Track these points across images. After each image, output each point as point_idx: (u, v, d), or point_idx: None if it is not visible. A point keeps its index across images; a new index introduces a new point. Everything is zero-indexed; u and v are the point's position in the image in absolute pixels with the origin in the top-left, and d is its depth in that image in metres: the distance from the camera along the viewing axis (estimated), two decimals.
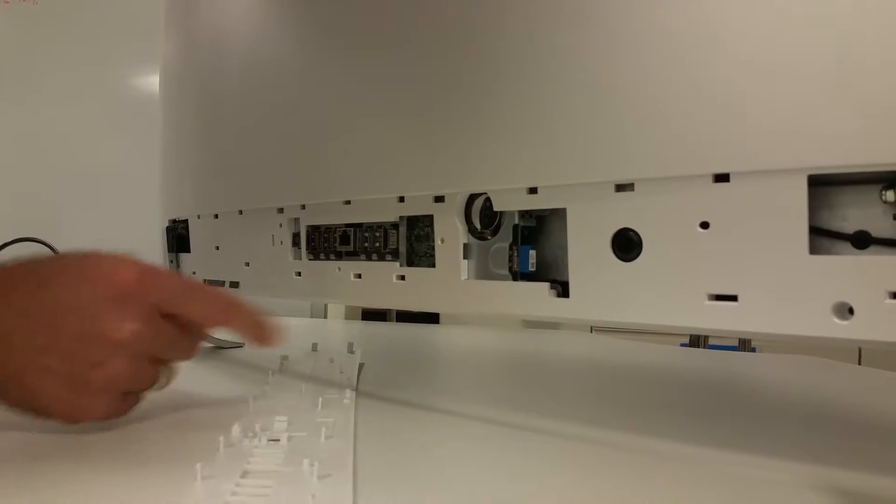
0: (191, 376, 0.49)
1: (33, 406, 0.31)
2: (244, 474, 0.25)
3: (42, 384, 0.30)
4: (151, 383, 0.34)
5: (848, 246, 0.25)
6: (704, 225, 0.27)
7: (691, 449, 0.32)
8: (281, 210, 0.48)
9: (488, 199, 0.35)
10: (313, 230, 0.46)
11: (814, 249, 0.25)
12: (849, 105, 0.23)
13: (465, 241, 0.36)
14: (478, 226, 0.36)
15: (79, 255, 0.33)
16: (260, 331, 0.35)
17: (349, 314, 1.55)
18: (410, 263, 0.39)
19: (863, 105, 0.23)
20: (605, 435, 0.34)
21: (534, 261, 0.34)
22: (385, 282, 0.40)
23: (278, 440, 0.30)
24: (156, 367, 0.33)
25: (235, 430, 0.30)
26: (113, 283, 0.31)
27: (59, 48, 1.28)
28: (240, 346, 0.59)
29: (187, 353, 0.35)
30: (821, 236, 0.25)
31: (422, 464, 0.29)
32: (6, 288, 0.31)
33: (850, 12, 0.23)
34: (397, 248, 0.40)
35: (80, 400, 0.31)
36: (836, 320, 0.24)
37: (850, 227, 0.25)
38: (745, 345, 1.09)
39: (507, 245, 0.35)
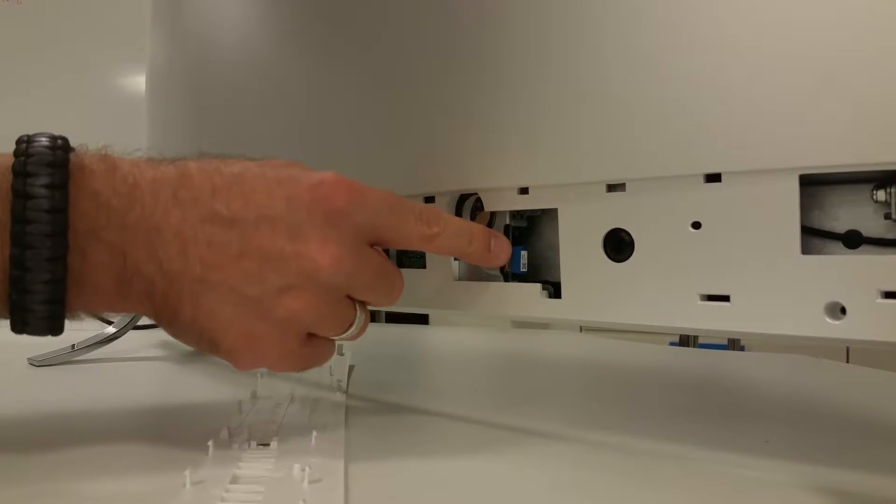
0: (179, 379, 0.49)
1: (203, 332, 0.27)
2: (234, 480, 0.25)
3: (219, 306, 0.26)
4: (341, 328, 0.29)
5: (839, 245, 0.25)
6: (696, 225, 0.27)
7: (682, 448, 0.32)
8: None
9: (479, 200, 0.35)
10: None
11: (805, 249, 0.25)
12: (840, 104, 0.23)
13: None
14: None
15: (272, 162, 0.28)
16: (484, 250, 0.31)
17: None
18: (401, 264, 0.39)
19: (854, 104, 0.23)
20: (595, 435, 0.34)
21: (525, 261, 0.34)
22: None
23: (268, 444, 0.29)
24: (350, 308, 0.29)
25: (224, 434, 0.30)
26: (319, 198, 0.27)
27: (43, 48, 1.26)
28: None
29: (390, 294, 0.30)
30: (812, 236, 0.25)
31: (414, 467, 0.29)
32: (187, 187, 0.26)
33: (840, 12, 0.23)
34: (388, 249, 0.39)
35: (257, 330, 0.27)
36: (829, 320, 0.24)
37: (841, 227, 0.25)
38: (734, 344, 1.10)
39: None
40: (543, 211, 0.33)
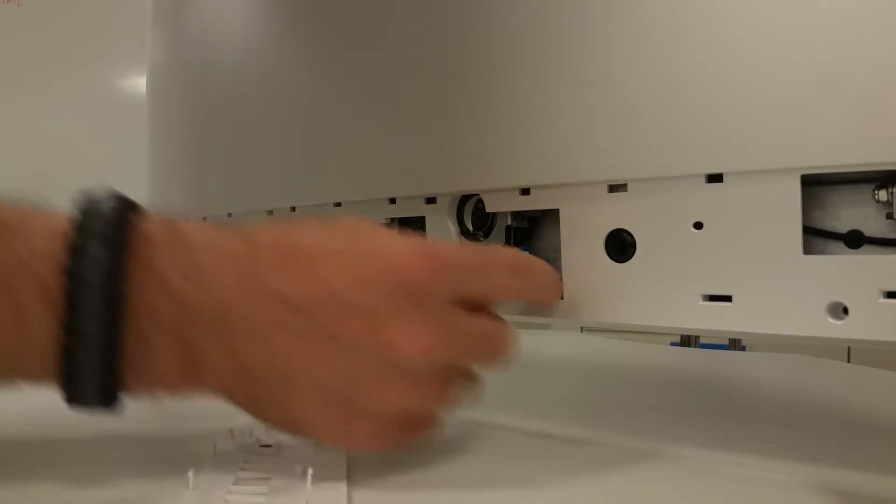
0: None
1: (291, 425, 0.25)
2: (237, 481, 0.25)
3: (305, 401, 0.24)
4: (444, 401, 0.27)
5: (841, 245, 0.25)
6: (698, 225, 0.27)
7: (683, 449, 0.32)
8: (270, 212, 0.47)
9: (480, 201, 0.35)
10: None
11: (807, 249, 0.25)
12: (841, 104, 0.23)
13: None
14: (470, 227, 0.36)
15: (343, 225, 0.26)
16: (552, 297, 0.29)
17: None
18: None
19: (855, 104, 0.23)
20: (598, 436, 0.34)
21: None
22: None
23: (271, 445, 0.29)
24: (453, 378, 0.26)
25: (228, 435, 0.30)
26: (394, 277, 0.24)
27: (43, 50, 1.27)
28: None
29: (494, 355, 0.26)
30: (814, 236, 0.25)
31: (416, 467, 0.29)
32: (257, 271, 0.24)
33: (841, 12, 0.23)
34: None
35: (349, 424, 0.25)
36: (831, 320, 0.24)
37: (843, 227, 0.25)
38: (735, 344, 1.10)
39: None
40: (545, 211, 0.33)
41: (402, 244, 0.25)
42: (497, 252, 0.28)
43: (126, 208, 0.24)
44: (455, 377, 0.27)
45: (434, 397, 0.26)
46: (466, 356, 0.27)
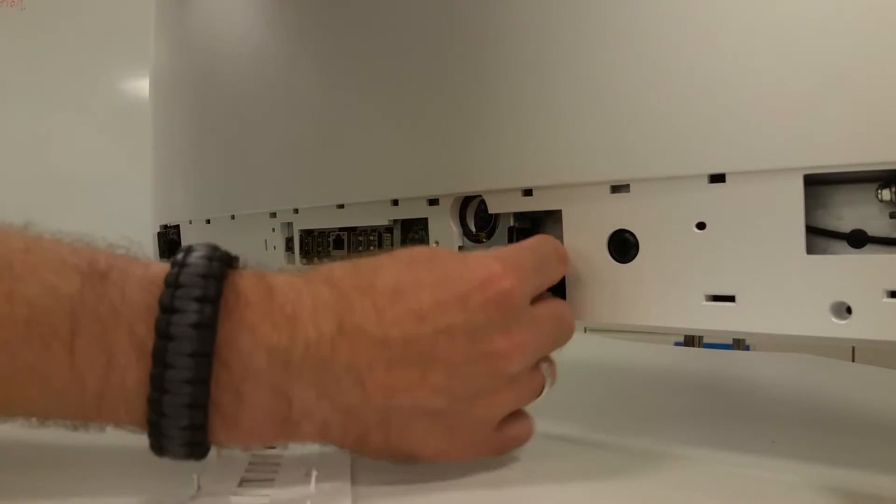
0: None
1: (396, 451, 0.26)
2: (241, 483, 0.25)
3: (410, 425, 0.25)
4: (535, 396, 0.28)
5: (844, 245, 0.25)
6: (701, 225, 0.27)
7: (688, 449, 0.32)
8: (274, 215, 0.48)
9: (483, 202, 0.35)
10: (306, 234, 0.45)
11: (811, 249, 0.25)
12: (844, 104, 0.23)
13: (461, 244, 0.36)
14: (473, 228, 0.36)
15: (414, 257, 0.27)
16: None
17: None
18: None
19: (858, 103, 0.23)
20: (601, 436, 0.34)
21: None
22: None
23: (274, 447, 0.29)
24: (538, 373, 0.28)
25: None
26: (491, 296, 0.25)
27: (46, 53, 1.27)
28: None
29: (569, 334, 0.29)
30: (817, 236, 0.25)
31: (420, 468, 0.29)
32: (349, 313, 0.25)
33: (844, 11, 0.23)
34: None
35: (453, 436, 0.26)
36: (835, 320, 0.24)
37: (846, 227, 0.25)
38: (739, 343, 1.09)
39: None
40: (547, 212, 0.33)
41: (481, 262, 0.27)
42: (545, 245, 0.30)
43: (218, 261, 0.24)
44: (538, 367, 0.28)
45: (529, 394, 0.28)
46: (553, 346, 0.29)
